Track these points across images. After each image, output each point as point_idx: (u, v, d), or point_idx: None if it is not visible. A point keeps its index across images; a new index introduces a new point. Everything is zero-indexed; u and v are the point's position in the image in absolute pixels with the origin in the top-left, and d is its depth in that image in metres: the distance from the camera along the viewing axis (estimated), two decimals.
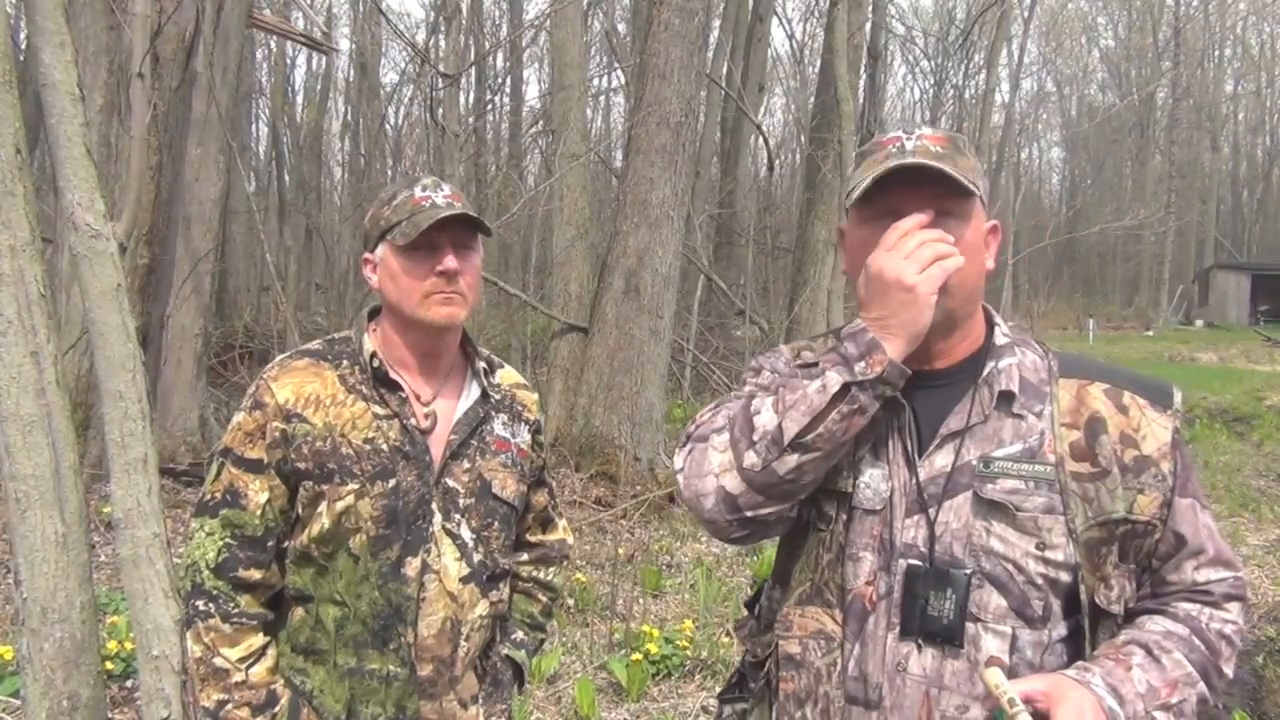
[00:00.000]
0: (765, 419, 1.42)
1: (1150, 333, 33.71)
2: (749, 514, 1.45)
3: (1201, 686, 1.41)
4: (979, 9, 22.40)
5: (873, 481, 1.48)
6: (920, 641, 1.42)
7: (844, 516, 1.49)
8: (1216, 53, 49.99)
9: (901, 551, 1.44)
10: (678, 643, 4.93)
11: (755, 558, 6.72)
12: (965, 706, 1.40)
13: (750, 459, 1.42)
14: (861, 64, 14.84)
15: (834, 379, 1.39)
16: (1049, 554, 1.41)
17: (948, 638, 1.41)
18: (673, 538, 7.50)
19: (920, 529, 1.44)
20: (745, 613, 1.77)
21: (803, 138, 20.49)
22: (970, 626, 1.41)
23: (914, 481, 1.46)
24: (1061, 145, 56.13)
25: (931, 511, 1.44)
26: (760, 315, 12.96)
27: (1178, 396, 1.54)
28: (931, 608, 1.41)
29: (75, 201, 2.40)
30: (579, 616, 5.62)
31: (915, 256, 1.37)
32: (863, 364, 1.38)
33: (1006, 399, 1.47)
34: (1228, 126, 52.27)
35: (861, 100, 14.82)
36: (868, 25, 15.18)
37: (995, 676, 1.31)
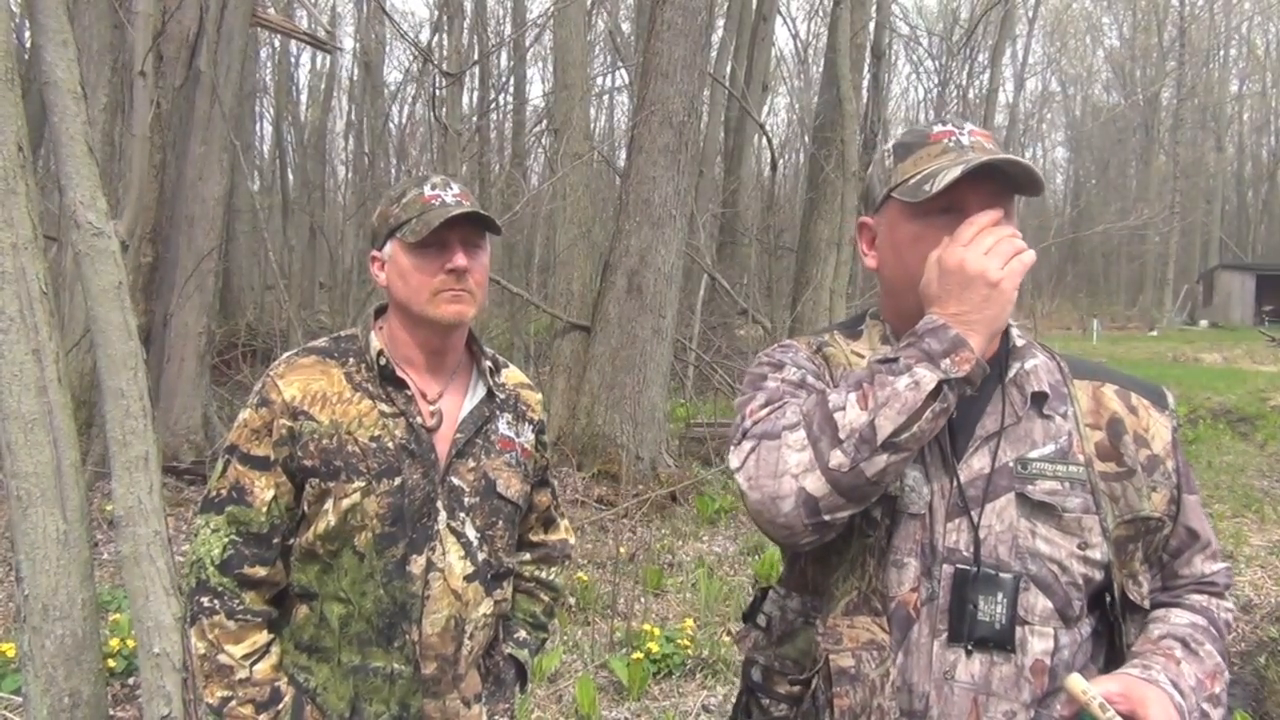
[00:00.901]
0: (852, 416, 1.33)
1: (1154, 333, 33.65)
2: (827, 517, 1.35)
3: (1227, 674, 1.44)
4: (983, 8, 22.36)
5: (916, 485, 1.44)
6: (970, 647, 1.39)
7: (888, 521, 1.44)
8: (1221, 53, 49.86)
9: (945, 556, 1.42)
10: (679, 642, 4.93)
11: (757, 557, 6.72)
12: (1013, 713, 1.38)
13: (837, 458, 1.32)
14: (865, 63, 14.83)
15: (927, 376, 1.32)
16: (1089, 553, 1.41)
17: (1000, 643, 1.38)
18: (674, 537, 7.50)
19: (963, 532, 1.42)
20: (744, 624, 1.70)
21: (806, 137, 20.47)
22: (1018, 630, 1.39)
23: (954, 484, 1.43)
24: (1066, 145, 56.11)
25: (974, 514, 1.42)
26: (763, 314, 12.94)
27: (1171, 398, 1.57)
28: (982, 612, 1.39)
29: (77, 199, 2.40)
30: (580, 615, 5.62)
31: (997, 251, 1.34)
32: (948, 361, 1.33)
33: (1039, 400, 1.47)
34: (1233, 126, 52.16)
35: (865, 100, 14.81)
36: (871, 24, 15.17)
37: (1079, 683, 1.30)
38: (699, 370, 13.32)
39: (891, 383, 1.33)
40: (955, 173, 1.36)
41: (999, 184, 1.40)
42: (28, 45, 11.98)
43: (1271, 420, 13.96)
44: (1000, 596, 1.38)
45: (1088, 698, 1.29)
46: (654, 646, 4.79)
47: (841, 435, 1.33)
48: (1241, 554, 7.63)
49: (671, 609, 5.86)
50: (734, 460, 1.43)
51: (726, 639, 5.18)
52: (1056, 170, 57.96)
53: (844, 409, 1.35)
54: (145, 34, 5.58)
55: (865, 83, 15.00)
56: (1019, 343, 1.53)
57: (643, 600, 5.83)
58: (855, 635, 1.45)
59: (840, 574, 1.48)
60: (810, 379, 1.51)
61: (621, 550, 6.42)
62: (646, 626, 5.06)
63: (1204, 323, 37.58)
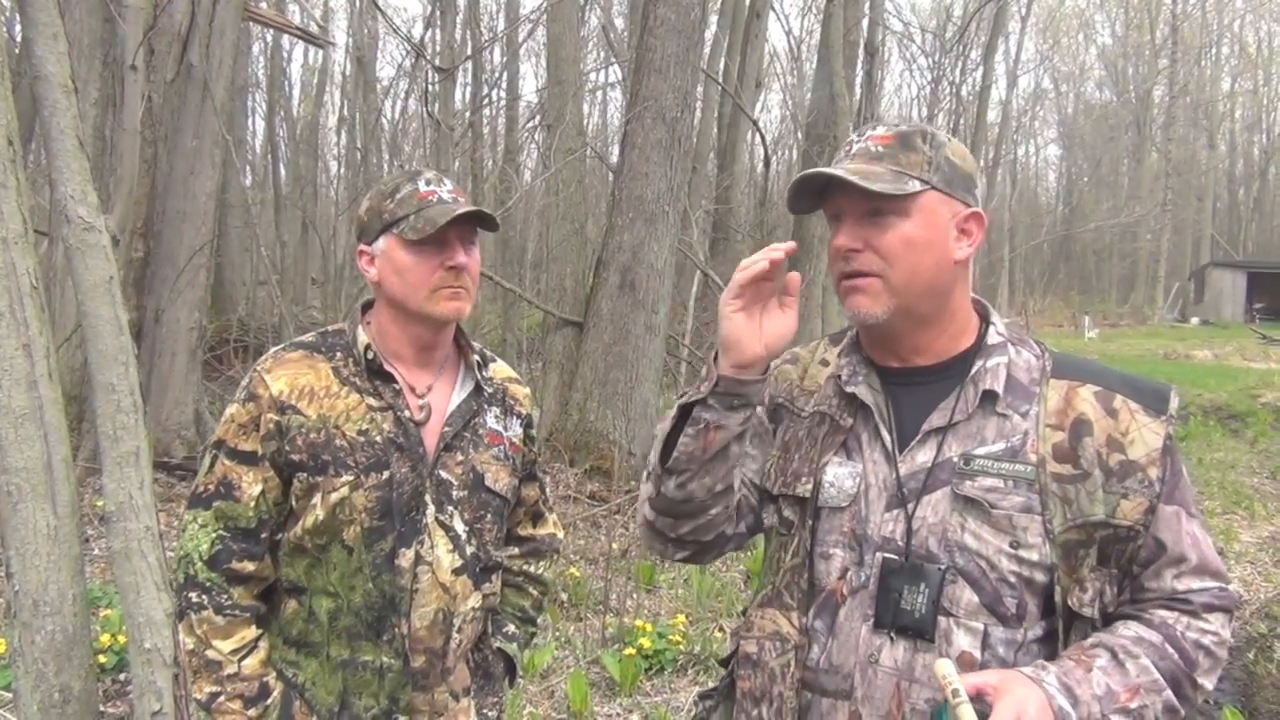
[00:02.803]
0: (652, 453, 1.55)
1: (1144, 328, 33.76)
2: (671, 535, 1.59)
3: (1169, 694, 1.38)
4: (976, 5, 22.38)
5: (837, 480, 1.51)
6: (893, 634, 1.44)
7: (810, 520, 1.52)
8: (1214, 50, 50.07)
9: (879, 545, 1.47)
10: (671, 638, 4.94)
11: (749, 554, 6.73)
12: (935, 700, 1.40)
13: (648, 489, 1.57)
14: (858, 60, 14.85)
15: (675, 405, 1.51)
16: (1022, 553, 1.41)
17: (919, 631, 1.42)
18: None
19: (898, 523, 1.46)
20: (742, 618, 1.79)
21: (799, 134, 20.48)
22: (942, 621, 1.42)
23: (894, 476, 1.48)
24: (1058, 142, 56.15)
25: (910, 506, 1.46)
26: None
27: (1174, 401, 1.51)
28: (905, 601, 1.43)
29: (68, 194, 2.40)
30: (572, 611, 5.63)
31: (731, 282, 1.46)
32: (698, 384, 1.49)
33: (989, 398, 1.48)
34: (1224, 124, 52.34)
35: (858, 96, 14.82)
36: (865, 21, 15.18)
37: (944, 668, 1.30)
38: (691, 366, 13.32)
39: (664, 419, 1.54)
40: (788, 193, 1.54)
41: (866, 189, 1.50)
42: (18, 39, 11.93)
43: (1262, 417, 14.01)
44: (923, 586, 1.42)
45: (945, 682, 1.28)
46: (646, 642, 4.79)
47: (648, 470, 1.58)
48: (1231, 550, 7.67)
49: (664, 605, 5.87)
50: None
51: (719, 634, 5.19)
52: (1049, 168, 58.17)
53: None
54: (137, 28, 5.58)
55: (859, 79, 15.01)
56: (992, 340, 1.53)
57: (635, 596, 5.84)
58: (763, 625, 1.57)
59: (764, 569, 1.64)
60: None
61: (614, 546, 6.42)
62: (639, 622, 5.07)
63: (1195, 320, 37.69)
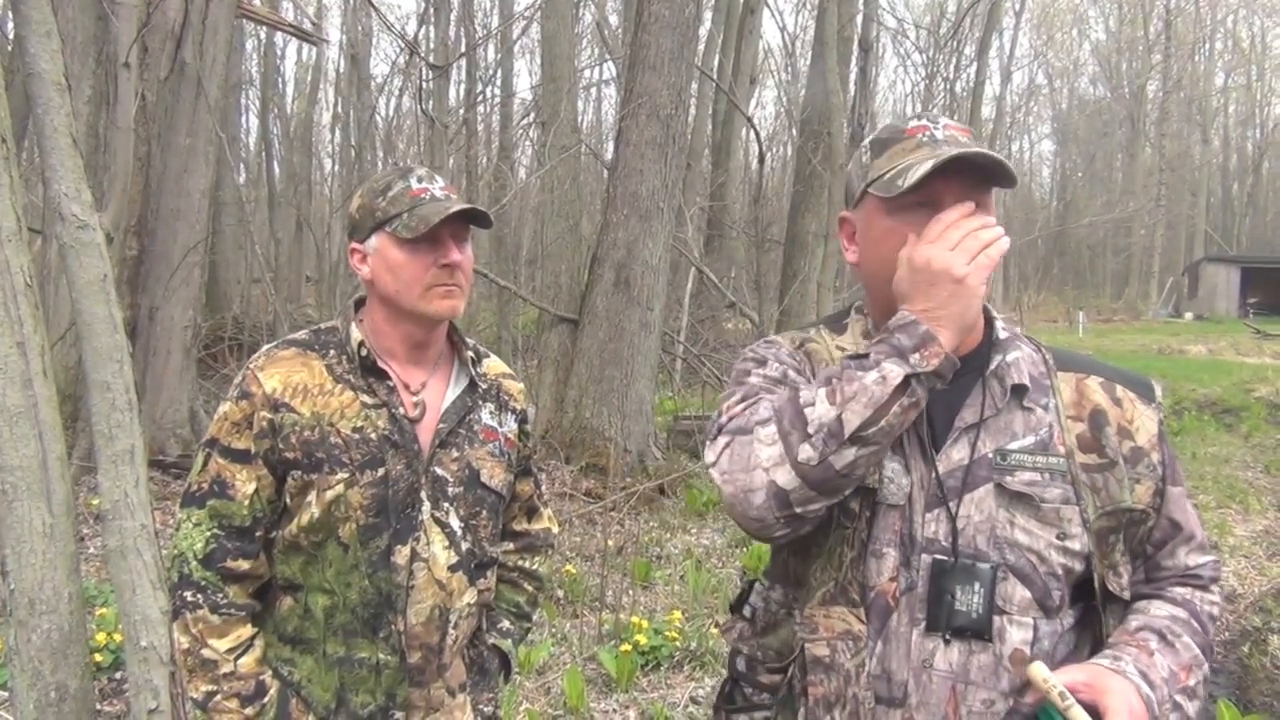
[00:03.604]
0: (821, 411, 1.35)
1: (1138, 323, 33.81)
2: (799, 510, 1.37)
3: (1206, 668, 1.44)
4: (970, 1, 22.38)
5: (895, 476, 1.45)
6: (948, 636, 1.41)
7: (868, 513, 1.45)
8: (1207, 46, 50.09)
9: (924, 546, 1.43)
10: (667, 634, 4.94)
11: (745, 549, 6.74)
12: (991, 700, 1.40)
13: (806, 452, 1.34)
14: (853, 56, 14.83)
15: (895, 370, 1.34)
16: (1068, 544, 1.42)
17: (976, 632, 1.40)
18: (662, 529, 7.52)
19: (941, 523, 1.44)
20: (730, 615, 1.72)
21: (793, 130, 20.48)
22: (996, 619, 1.41)
23: (933, 475, 1.45)
24: (1052, 138, 56.19)
25: (952, 505, 1.44)
26: (751, 307, 12.95)
27: (1158, 390, 1.57)
28: (959, 602, 1.40)
29: (61, 192, 2.39)
30: (569, 608, 5.63)
31: (963, 247, 1.35)
32: (917, 356, 1.34)
33: (1019, 392, 1.48)
34: (1218, 119, 52.42)
35: (852, 93, 14.81)
36: (859, 17, 15.15)
37: (1041, 670, 1.30)
38: (687, 363, 13.34)
39: (860, 378, 1.35)
40: (926, 167, 1.37)
41: (973, 177, 1.41)
42: (10, 36, 11.89)
43: (1256, 411, 14.05)
44: (977, 586, 1.40)
45: (1048, 686, 1.29)
46: (642, 639, 4.80)
47: (810, 429, 1.35)
48: (1226, 544, 7.69)
49: (659, 601, 5.88)
50: (709, 455, 1.47)
51: (714, 631, 5.20)
52: (1043, 163, 58.20)
53: (814, 404, 1.36)
54: (130, 25, 5.56)
55: (853, 76, 15.00)
56: (1002, 335, 1.54)
57: (631, 593, 5.84)
58: (831, 625, 1.46)
59: (818, 565, 1.49)
60: (791, 374, 1.54)
61: (610, 543, 6.43)
62: (635, 619, 5.07)
63: (1189, 315, 37.75)
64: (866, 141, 1.55)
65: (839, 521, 1.46)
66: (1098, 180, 49.90)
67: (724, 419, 1.48)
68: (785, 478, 1.36)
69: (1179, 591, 1.52)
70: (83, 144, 2.55)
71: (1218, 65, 51.83)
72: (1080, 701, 1.29)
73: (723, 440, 1.45)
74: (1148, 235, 42.62)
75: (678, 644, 4.91)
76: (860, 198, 1.52)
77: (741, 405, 1.48)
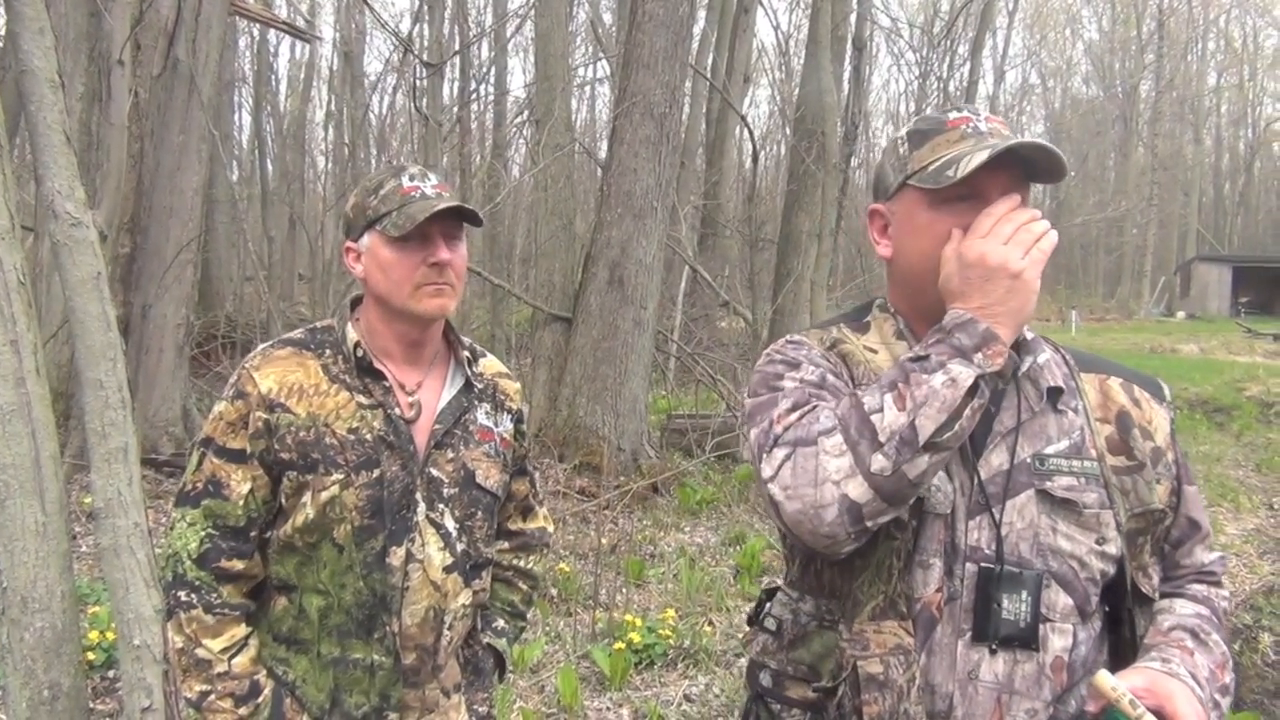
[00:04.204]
0: (890, 418, 1.28)
1: (1130, 322, 33.89)
2: (869, 524, 1.30)
3: (1232, 663, 1.43)
4: (963, 1, 22.42)
5: (941, 484, 1.39)
6: (995, 646, 1.37)
7: (914, 523, 1.39)
8: (1199, 45, 50.20)
9: (967, 555, 1.39)
10: (660, 632, 4.95)
11: (738, 548, 6.74)
12: (1035, 710, 1.37)
13: (879, 462, 1.27)
14: (846, 55, 14.81)
15: (964, 372, 1.29)
16: (1106, 548, 1.41)
17: (1025, 641, 1.37)
18: (656, 528, 7.52)
19: (984, 530, 1.40)
20: (750, 628, 1.65)
21: (787, 129, 20.48)
22: (1040, 628, 1.38)
23: (974, 482, 1.41)
24: (1045, 137, 55.86)
25: (995, 512, 1.40)
26: (744, 306, 12.96)
27: (1167, 390, 1.57)
28: (1007, 611, 1.36)
29: (55, 189, 2.39)
30: (562, 606, 5.63)
31: (1017, 241, 1.32)
32: (981, 355, 1.30)
33: (1054, 394, 1.46)
34: (1210, 119, 52.55)
35: (846, 92, 14.81)
36: (853, 16, 15.15)
37: (1108, 679, 1.29)
38: (680, 362, 13.32)
39: (927, 381, 1.29)
40: (981, 157, 1.33)
41: (1017, 171, 1.38)
42: (3, 33, 11.85)
43: (1247, 410, 14.09)
44: (1024, 594, 1.37)
45: (1117, 694, 1.27)
46: (636, 637, 4.80)
47: (882, 438, 1.28)
48: (1218, 543, 7.72)
49: (653, 599, 5.88)
50: (766, 469, 1.36)
51: (708, 629, 5.21)
52: None
53: (881, 411, 1.30)
54: (123, 23, 5.55)
55: (846, 75, 14.99)
56: (1028, 336, 1.51)
57: (624, 591, 5.85)
58: (883, 640, 1.39)
59: (865, 578, 1.42)
60: (830, 378, 1.46)
61: (603, 541, 6.42)
62: (628, 617, 5.08)
63: (1181, 314, 37.85)
64: (904, 132, 1.50)
65: (889, 533, 1.39)
66: (1090, 180, 49.98)
67: (778, 429, 1.38)
68: (858, 490, 1.28)
69: (1198, 589, 1.52)
70: (75, 141, 2.55)
71: (1210, 65, 51.96)
72: (1147, 708, 1.28)
73: (781, 452, 1.35)
74: (1140, 234, 42.70)
75: (671, 642, 4.92)
76: (897, 190, 1.47)
77: (796, 414, 1.38)
